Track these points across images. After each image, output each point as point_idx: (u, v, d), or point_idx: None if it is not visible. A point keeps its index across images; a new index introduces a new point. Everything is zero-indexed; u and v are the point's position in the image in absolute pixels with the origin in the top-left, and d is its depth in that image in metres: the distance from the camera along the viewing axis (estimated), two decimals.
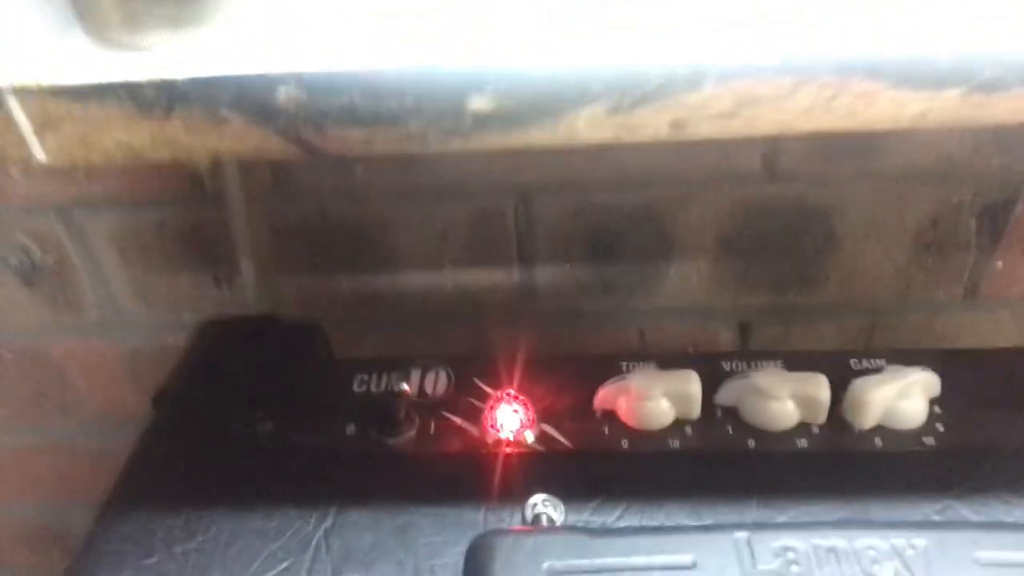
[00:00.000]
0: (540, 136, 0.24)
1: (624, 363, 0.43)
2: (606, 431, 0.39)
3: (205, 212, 0.53)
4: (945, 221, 0.54)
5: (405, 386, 0.38)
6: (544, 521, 0.31)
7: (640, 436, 0.39)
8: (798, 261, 0.55)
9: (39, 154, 0.24)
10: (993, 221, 0.54)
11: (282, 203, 0.53)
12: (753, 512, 0.33)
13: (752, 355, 0.43)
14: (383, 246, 0.55)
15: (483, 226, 0.54)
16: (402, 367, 0.44)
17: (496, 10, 0.24)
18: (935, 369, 0.39)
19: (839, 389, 0.39)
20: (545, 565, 0.28)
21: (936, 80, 0.22)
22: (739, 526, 0.29)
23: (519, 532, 0.30)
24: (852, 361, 0.42)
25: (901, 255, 0.55)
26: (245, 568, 0.32)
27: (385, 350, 0.60)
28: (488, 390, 0.42)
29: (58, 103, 0.23)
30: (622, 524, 0.33)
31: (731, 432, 0.38)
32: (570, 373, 0.41)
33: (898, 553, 0.27)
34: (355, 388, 0.42)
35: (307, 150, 0.24)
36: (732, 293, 0.57)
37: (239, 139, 0.24)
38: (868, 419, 0.38)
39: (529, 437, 0.39)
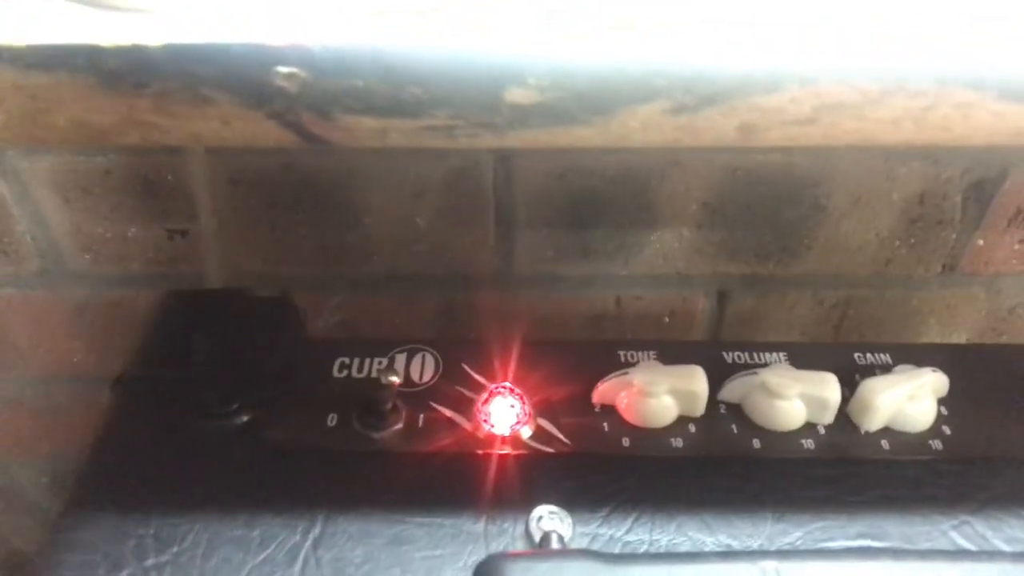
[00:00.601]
0: (586, 135, 0.20)
1: (621, 352, 0.41)
2: (605, 428, 0.37)
3: (158, 159, 0.48)
4: (932, 197, 0.53)
5: (394, 379, 0.35)
6: (554, 540, 0.29)
7: (641, 434, 0.36)
8: (781, 230, 0.54)
9: None
10: (979, 198, 0.53)
11: (243, 152, 0.48)
12: (768, 527, 0.31)
13: (756, 347, 0.41)
14: (352, 203, 0.51)
15: (460, 185, 0.50)
16: (385, 350, 0.40)
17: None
18: (942, 366, 0.38)
19: (845, 387, 0.37)
20: None
21: None
22: (765, 554, 0.27)
23: (530, 557, 0.28)
24: (856, 355, 0.41)
25: (885, 229, 0.54)
26: None
27: (352, 313, 0.57)
28: (478, 378, 0.39)
29: (3, 71, 0.19)
30: (633, 538, 0.31)
31: (736, 431, 0.37)
32: (565, 363, 0.39)
33: None
34: (335, 373, 0.39)
35: (307, 139, 0.20)
36: (712, 261, 0.56)
37: (225, 123, 0.20)
38: (876, 421, 0.36)
39: (525, 433, 0.36)
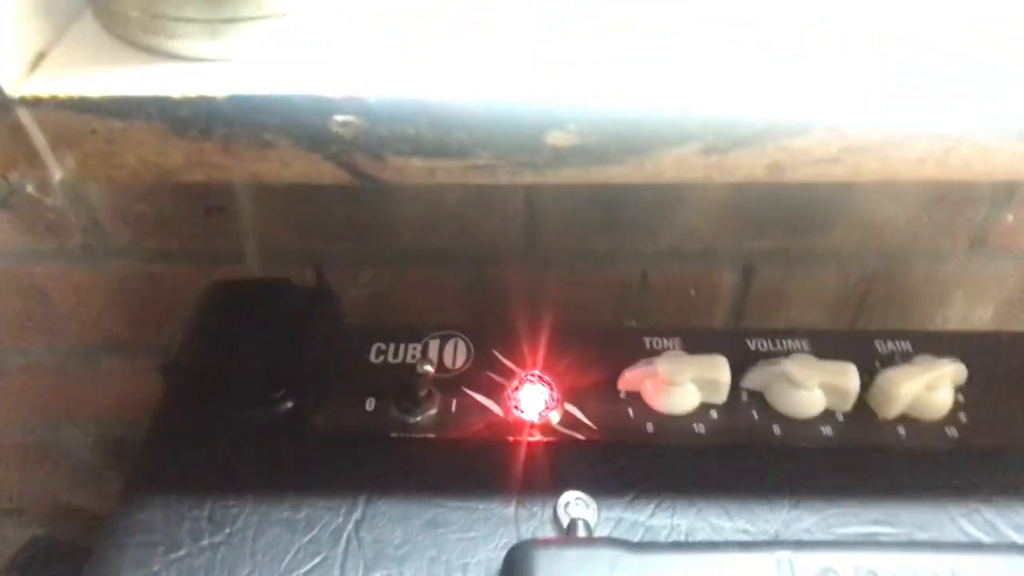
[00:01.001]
0: (621, 173, 0.22)
1: (647, 339, 0.42)
2: (631, 413, 0.38)
3: None
4: None
5: (429, 368, 0.37)
6: (580, 527, 0.31)
7: (665, 420, 0.38)
8: (810, 204, 0.54)
9: (55, 172, 0.22)
10: None
11: None
12: (784, 513, 0.33)
13: (777, 334, 0.43)
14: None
15: None
16: (419, 335, 0.42)
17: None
18: (961, 354, 0.39)
19: (864, 374, 0.38)
20: None
21: None
22: (781, 544, 0.29)
23: (559, 544, 0.30)
24: (877, 342, 0.42)
25: (914, 204, 0.54)
26: (277, 562, 0.32)
27: (381, 287, 0.58)
28: (508, 364, 0.41)
29: (78, 117, 0.20)
30: (655, 523, 0.33)
31: (756, 418, 0.38)
32: (591, 349, 0.40)
33: None
34: (372, 359, 0.41)
35: (361, 178, 0.22)
36: (739, 235, 0.56)
37: (285, 164, 0.21)
38: (894, 410, 0.38)
39: (554, 418, 0.38)
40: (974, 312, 0.62)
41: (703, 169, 0.21)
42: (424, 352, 0.41)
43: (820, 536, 0.32)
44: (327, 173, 0.21)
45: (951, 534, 0.32)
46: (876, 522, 0.33)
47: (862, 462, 0.35)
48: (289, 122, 0.20)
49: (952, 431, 0.38)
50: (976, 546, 0.30)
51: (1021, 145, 0.21)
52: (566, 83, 0.20)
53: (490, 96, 0.20)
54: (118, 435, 0.73)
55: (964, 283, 0.60)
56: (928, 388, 0.38)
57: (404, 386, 0.39)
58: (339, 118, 0.20)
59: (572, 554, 0.29)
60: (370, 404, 0.39)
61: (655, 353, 0.40)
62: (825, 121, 0.20)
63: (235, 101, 0.20)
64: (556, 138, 0.21)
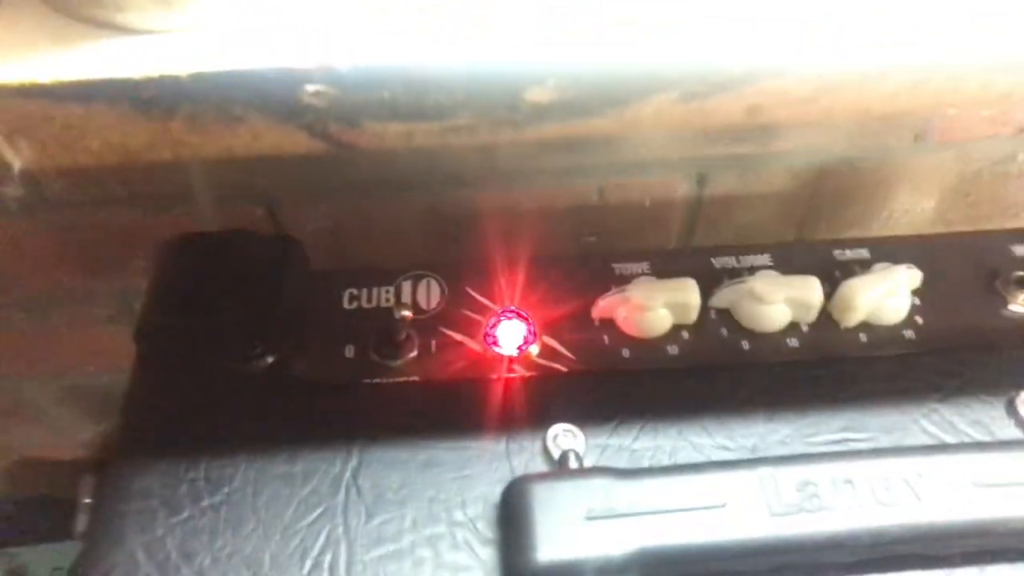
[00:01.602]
0: (601, 125, 0.21)
1: (616, 265, 0.43)
2: (606, 340, 0.39)
3: None
4: None
5: (406, 313, 0.37)
6: (572, 458, 0.32)
7: (640, 344, 0.39)
8: None
9: (13, 161, 0.20)
10: None
11: None
12: (760, 427, 0.35)
13: (741, 250, 0.44)
14: None
15: None
16: (390, 278, 0.42)
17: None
18: (916, 257, 0.41)
19: (826, 284, 0.40)
20: (585, 511, 0.30)
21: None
22: (762, 461, 0.31)
23: (554, 478, 0.31)
24: (836, 252, 0.43)
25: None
26: (279, 516, 0.32)
27: (338, 220, 0.57)
28: (483, 300, 0.41)
29: (30, 105, 0.19)
30: (639, 446, 0.34)
31: (726, 335, 0.40)
32: (562, 279, 0.41)
33: (906, 481, 0.30)
34: (346, 305, 0.41)
35: (338, 147, 0.21)
36: (691, 144, 0.57)
37: (256, 138, 0.21)
38: (855, 318, 0.39)
39: (533, 352, 0.39)
40: (918, 204, 0.64)
41: (682, 116, 0.21)
42: (398, 295, 0.41)
43: (796, 447, 0.34)
44: (302, 144, 0.21)
45: (914, 435, 0.34)
46: (844, 428, 0.35)
47: (828, 373, 0.37)
48: (258, 95, 0.20)
49: (910, 333, 0.40)
50: (938, 447, 0.32)
51: (988, 74, 0.21)
52: (543, 38, 0.19)
53: (466, 56, 0.20)
54: (81, 385, 0.73)
55: (909, 177, 0.62)
56: (887, 295, 0.39)
57: (382, 331, 0.39)
58: (310, 88, 0.20)
59: (566, 486, 0.30)
60: (349, 351, 0.39)
61: (625, 279, 0.41)
62: (800, 62, 0.20)
63: (200, 79, 0.19)
64: (535, 94, 0.20)
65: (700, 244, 0.63)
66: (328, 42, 0.19)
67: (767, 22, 0.20)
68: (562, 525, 0.30)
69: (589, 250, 0.62)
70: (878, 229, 0.66)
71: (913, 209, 0.65)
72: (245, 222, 0.47)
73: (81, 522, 0.34)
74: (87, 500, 0.34)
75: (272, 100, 0.20)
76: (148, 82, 0.19)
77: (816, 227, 0.65)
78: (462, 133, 0.21)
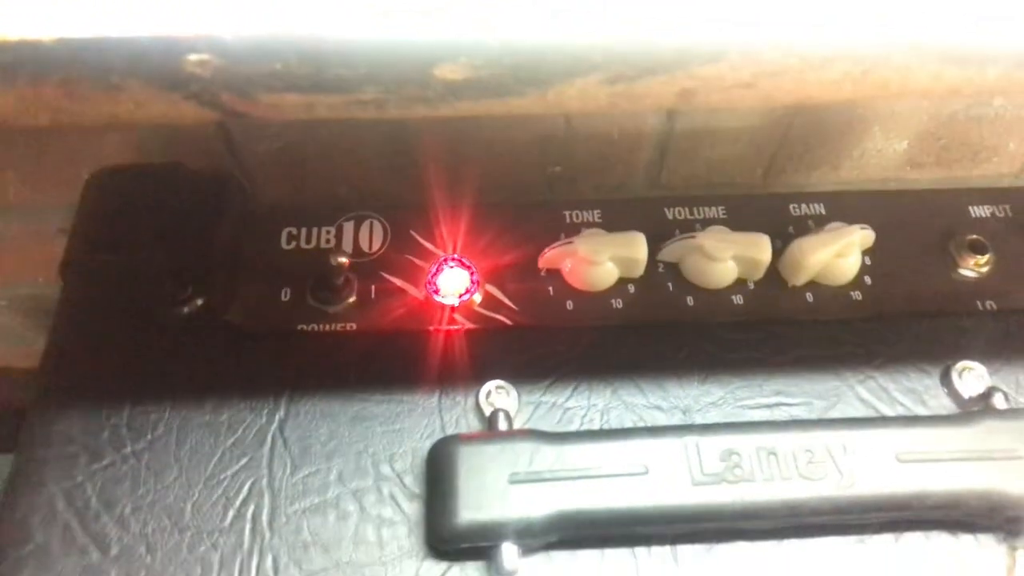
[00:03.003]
0: (521, 104, 0.20)
1: (567, 212, 0.41)
2: (551, 292, 0.39)
3: None
4: None
5: (343, 260, 0.36)
6: (501, 418, 0.32)
7: (584, 296, 0.39)
8: None
9: None
10: None
11: None
12: (694, 388, 0.35)
13: (694, 201, 0.42)
14: None
15: None
16: (332, 218, 0.41)
17: None
18: (872, 214, 0.40)
19: (777, 239, 0.39)
20: (508, 473, 0.29)
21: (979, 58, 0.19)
22: (688, 428, 0.31)
23: (480, 439, 0.31)
24: (792, 207, 0.42)
25: None
26: (203, 465, 0.32)
27: (290, 142, 0.55)
28: (427, 245, 0.40)
29: None
30: (572, 404, 0.34)
31: (671, 289, 0.39)
32: (511, 226, 0.40)
33: (830, 454, 0.30)
34: (284, 245, 0.39)
35: (231, 116, 0.19)
36: None
37: (139, 105, 0.19)
38: (803, 277, 0.39)
39: (475, 300, 0.38)
40: (890, 145, 0.63)
41: (608, 98, 0.20)
42: (339, 236, 0.40)
43: (728, 410, 0.34)
44: (190, 113, 0.19)
45: (848, 401, 0.34)
46: (778, 393, 0.35)
47: (768, 337, 0.37)
48: (136, 64, 0.18)
49: (857, 295, 0.39)
50: (858, 422, 0.32)
51: (939, 66, 0.20)
52: (453, 12, 0.18)
53: (366, 28, 0.18)
54: (29, 294, 0.72)
55: (883, 118, 0.60)
56: (837, 255, 0.39)
57: (319, 275, 0.38)
58: (193, 57, 0.18)
59: (492, 448, 0.30)
60: (285, 294, 0.38)
61: (575, 229, 0.40)
62: (738, 47, 0.19)
63: (67, 44, 0.17)
64: (446, 71, 0.18)
65: (669, 178, 0.62)
66: (213, 8, 0.17)
67: (703, 2, 0.18)
68: (485, 487, 0.30)
69: (554, 180, 0.60)
70: (848, 168, 0.64)
71: (885, 150, 0.64)
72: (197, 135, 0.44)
73: None
74: None
75: (151, 68, 0.18)
76: (5, 46, 0.17)
77: (787, 164, 0.64)
78: (369, 107, 0.19)
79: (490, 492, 0.30)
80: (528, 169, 0.59)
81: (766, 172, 0.62)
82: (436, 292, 0.38)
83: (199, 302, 0.36)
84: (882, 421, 0.33)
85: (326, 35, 0.18)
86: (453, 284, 0.38)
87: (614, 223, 0.40)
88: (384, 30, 0.18)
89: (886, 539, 0.32)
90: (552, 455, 0.30)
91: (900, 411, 0.34)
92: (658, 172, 0.61)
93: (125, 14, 0.17)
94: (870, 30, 0.19)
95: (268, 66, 0.18)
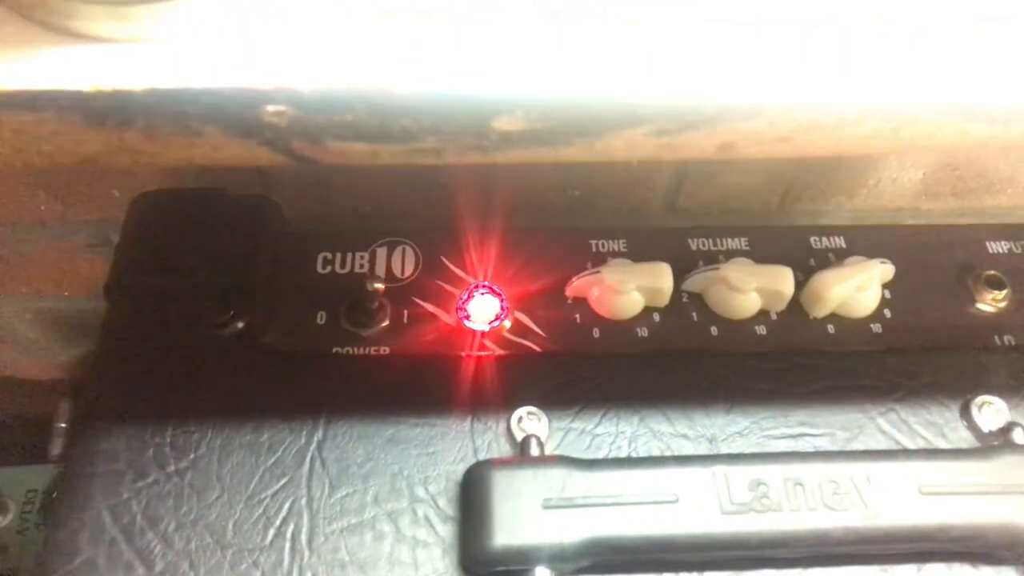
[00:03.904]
0: (571, 153, 0.21)
1: (593, 242, 0.43)
2: (578, 319, 0.40)
3: None
4: None
5: (379, 286, 0.37)
6: (533, 444, 0.33)
7: (611, 325, 0.40)
8: None
9: None
10: None
11: None
12: (720, 418, 0.36)
13: (717, 232, 0.43)
14: None
15: None
16: (365, 244, 0.42)
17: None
18: (891, 247, 0.41)
19: (799, 273, 0.40)
20: (542, 499, 0.30)
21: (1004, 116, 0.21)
22: (717, 459, 0.32)
23: (514, 464, 0.32)
24: (812, 239, 0.43)
25: None
26: (244, 485, 0.33)
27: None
28: (458, 271, 0.41)
29: None
30: (601, 431, 0.35)
31: (695, 319, 0.40)
32: (538, 254, 0.41)
33: (855, 485, 0.31)
34: (319, 269, 0.41)
35: (301, 161, 0.21)
36: None
37: (216, 149, 0.20)
38: (824, 310, 0.40)
39: (505, 326, 0.39)
40: (905, 174, 0.64)
41: (654, 150, 0.21)
42: (372, 261, 0.41)
43: (753, 439, 0.35)
44: (263, 157, 0.20)
45: (870, 433, 0.35)
46: (802, 424, 0.36)
47: (791, 367, 0.38)
48: (216, 112, 0.19)
49: (877, 327, 0.40)
50: (887, 453, 0.33)
51: (965, 123, 0.21)
52: (512, 69, 0.19)
53: (432, 84, 0.19)
54: (55, 308, 0.73)
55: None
56: (858, 289, 0.40)
57: (354, 299, 0.39)
58: (271, 108, 0.19)
59: (526, 474, 0.31)
60: (321, 318, 0.39)
61: (601, 258, 0.41)
62: (776, 104, 0.20)
63: (155, 94, 0.18)
64: (503, 123, 0.20)
65: (686, 203, 0.63)
66: (291, 61, 0.19)
67: (743, 61, 0.19)
68: (519, 512, 0.31)
69: (573, 203, 0.61)
70: (864, 197, 0.65)
71: (901, 179, 0.64)
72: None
73: (56, 446, 0.35)
74: (62, 424, 0.35)
75: (231, 117, 0.19)
76: (99, 95, 0.18)
77: (803, 192, 0.65)
78: (429, 155, 0.21)
79: (524, 517, 0.30)
80: (549, 192, 0.61)
81: (782, 199, 0.63)
82: (467, 318, 0.39)
83: (240, 325, 0.37)
84: (904, 454, 0.33)
85: (394, 89, 0.19)
86: (483, 311, 0.39)
87: (639, 252, 0.41)
88: (448, 85, 0.19)
89: (909, 570, 0.32)
90: (584, 481, 0.31)
91: (921, 444, 0.35)
92: (676, 197, 0.62)
93: (208, 65, 0.19)
94: (901, 90, 0.20)
95: (340, 117, 0.19)
